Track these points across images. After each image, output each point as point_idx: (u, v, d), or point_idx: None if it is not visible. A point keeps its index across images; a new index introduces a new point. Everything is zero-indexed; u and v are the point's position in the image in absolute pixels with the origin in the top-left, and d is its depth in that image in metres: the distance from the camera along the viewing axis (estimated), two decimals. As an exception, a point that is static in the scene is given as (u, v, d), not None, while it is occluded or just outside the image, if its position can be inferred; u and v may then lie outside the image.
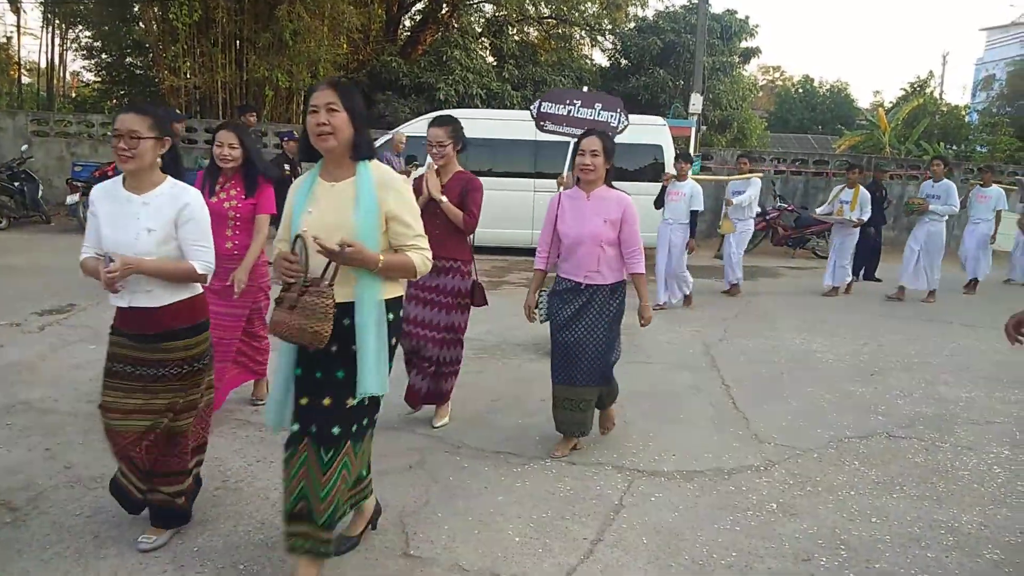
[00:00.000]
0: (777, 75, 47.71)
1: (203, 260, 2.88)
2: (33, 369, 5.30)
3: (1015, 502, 3.79)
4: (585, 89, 8.75)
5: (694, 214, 8.45)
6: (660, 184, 8.96)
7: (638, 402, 5.11)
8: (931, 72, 36.03)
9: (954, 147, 23.74)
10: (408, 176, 11.36)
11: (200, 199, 2.92)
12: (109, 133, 14.89)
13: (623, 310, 4.07)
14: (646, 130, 12.44)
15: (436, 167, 4.36)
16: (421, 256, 2.71)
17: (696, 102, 15.39)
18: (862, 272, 11.27)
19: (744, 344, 6.99)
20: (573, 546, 3.17)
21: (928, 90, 30.92)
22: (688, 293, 8.72)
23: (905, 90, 31.42)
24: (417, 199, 3.96)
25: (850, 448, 4.44)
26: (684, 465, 4.06)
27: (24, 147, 13.95)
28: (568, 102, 7.17)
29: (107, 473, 3.23)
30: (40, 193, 12.72)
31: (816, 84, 42.36)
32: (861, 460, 4.25)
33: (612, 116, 7.04)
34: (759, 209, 14.51)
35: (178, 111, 12.40)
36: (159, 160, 2.85)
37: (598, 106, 7.11)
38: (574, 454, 4.16)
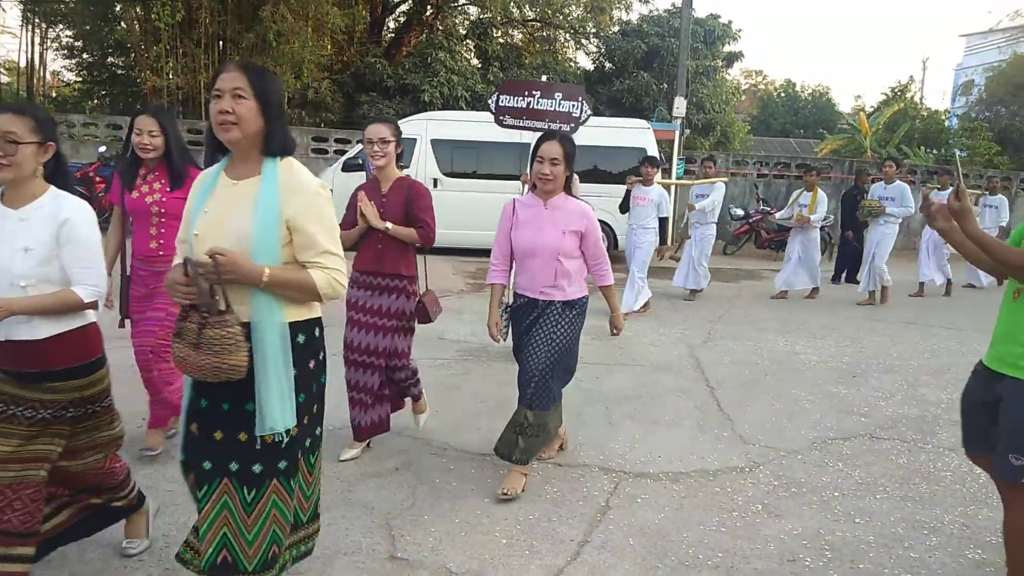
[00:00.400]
0: (759, 79, 47.99)
1: (88, 284, 2.47)
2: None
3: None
4: (544, 79, 8.32)
5: (663, 221, 8.30)
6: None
7: (623, 404, 5.13)
8: (911, 77, 36.54)
9: (934, 151, 24.00)
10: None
11: (84, 212, 2.50)
12: (96, 136, 14.79)
13: (579, 327, 3.77)
14: (630, 133, 12.52)
15: (367, 188, 3.99)
16: (326, 277, 2.25)
17: (680, 106, 15.47)
18: (844, 275, 11.38)
19: (728, 346, 7.03)
20: (560, 548, 3.17)
21: (909, 95, 31.24)
22: (646, 301, 8.38)
23: (886, 95, 31.72)
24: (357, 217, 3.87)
25: (833, 449, 4.47)
26: (670, 467, 4.07)
27: (3, 147, 13.79)
28: (527, 93, 6.84)
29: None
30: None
31: (798, 88, 42.70)
32: (844, 461, 4.29)
33: (574, 106, 6.74)
34: (741, 212, 14.54)
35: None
36: (41, 168, 2.50)
37: (558, 96, 6.80)
38: (560, 456, 4.16)
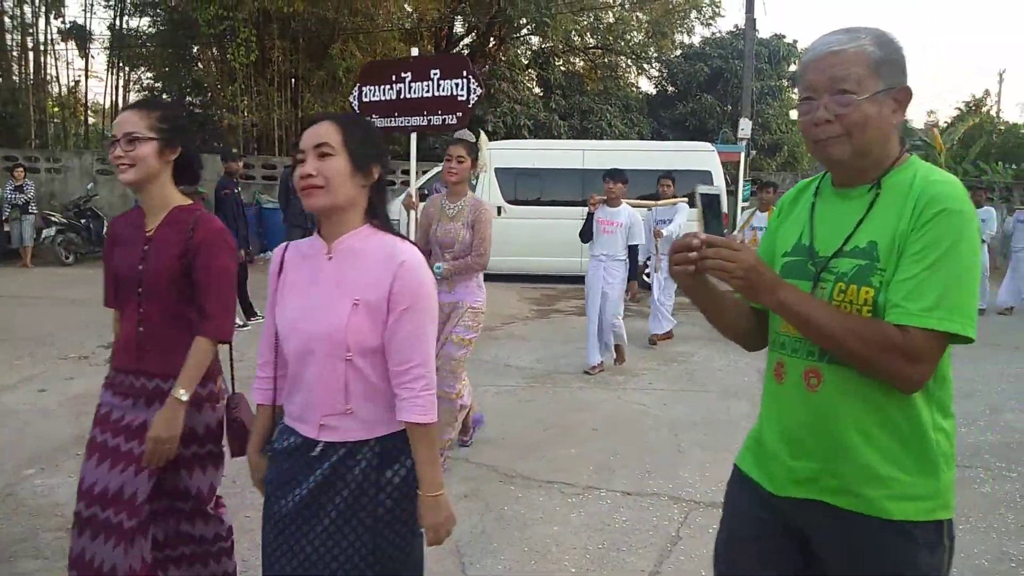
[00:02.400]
0: (826, 97, 47.14)
1: None
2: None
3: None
4: (415, 52, 6.08)
5: (633, 249, 6.59)
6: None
7: (692, 431, 5.07)
8: (987, 91, 35.20)
9: (1014, 166, 23.11)
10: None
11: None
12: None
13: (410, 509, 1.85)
14: (694, 156, 12.43)
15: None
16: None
17: (745, 127, 15.31)
18: None
19: (800, 371, 6.86)
20: (630, 577, 3.15)
21: (985, 109, 30.23)
22: (621, 345, 6.88)
23: (960, 109, 30.80)
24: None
25: (913, 478, 4.32)
26: (741, 495, 4.00)
27: (89, 185, 14.56)
28: (394, 79, 5.41)
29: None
30: (104, 230, 13.23)
31: (867, 105, 41.77)
32: (925, 491, 4.13)
33: (458, 85, 5.18)
34: None
35: (234, 149, 12.81)
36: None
37: (435, 74, 5.24)
38: (628, 485, 4.13)
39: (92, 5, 19.31)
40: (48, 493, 3.86)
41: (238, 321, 8.03)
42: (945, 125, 29.75)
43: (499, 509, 3.78)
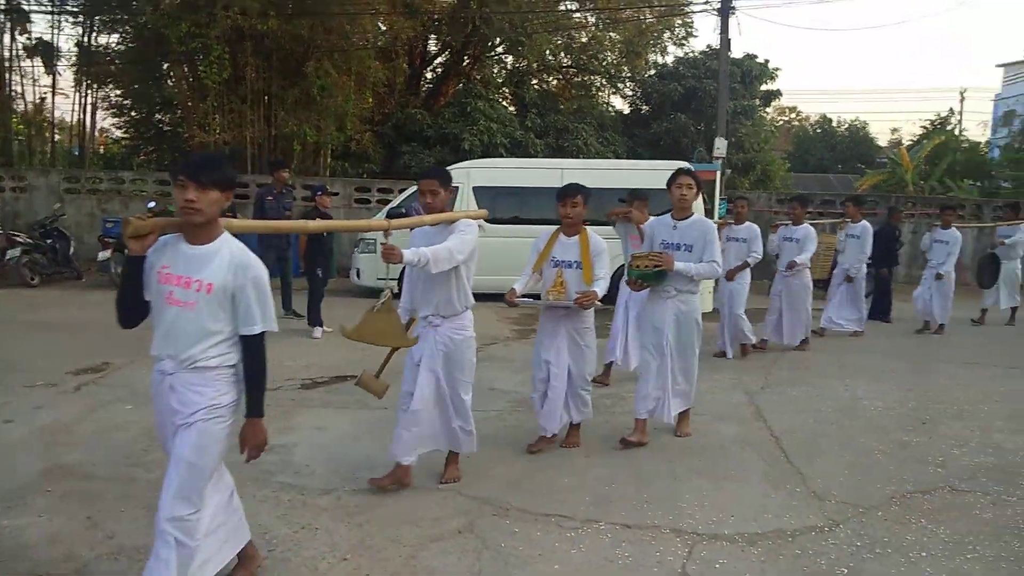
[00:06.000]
0: (793, 115, 47.79)
1: None
2: (70, 431, 5.24)
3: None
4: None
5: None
6: None
7: (687, 457, 4.97)
8: (951, 109, 35.93)
9: (978, 183, 23.54)
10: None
11: None
12: (143, 191, 15.16)
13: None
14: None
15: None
16: None
17: (721, 146, 15.39)
18: (884, 313, 11.21)
19: (787, 392, 6.82)
20: (638, 618, 3.02)
21: (949, 127, 30.82)
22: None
23: (926, 127, 31.35)
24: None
25: (914, 504, 4.26)
26: (744, 527, 3.89)
27: (56, 205, 14.20)
28: None
29: (150, 543, 3.14)
30: (72, 250, 12.90)
31: (835, 123, 42.44)
32: (927, 517, 4.07)
33: None
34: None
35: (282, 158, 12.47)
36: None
37: None
38: (628, 516, 4.00)
39: (60, 22, 18.79)
40: (16, 535, 3.63)
41: None
42: (909, 143, 30.29)
43: (496, 546, 3.63)
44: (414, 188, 11.98)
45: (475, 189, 12.30)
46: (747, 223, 8.43)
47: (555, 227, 5.08)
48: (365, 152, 17.29)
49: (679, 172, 5.22)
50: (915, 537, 3.82)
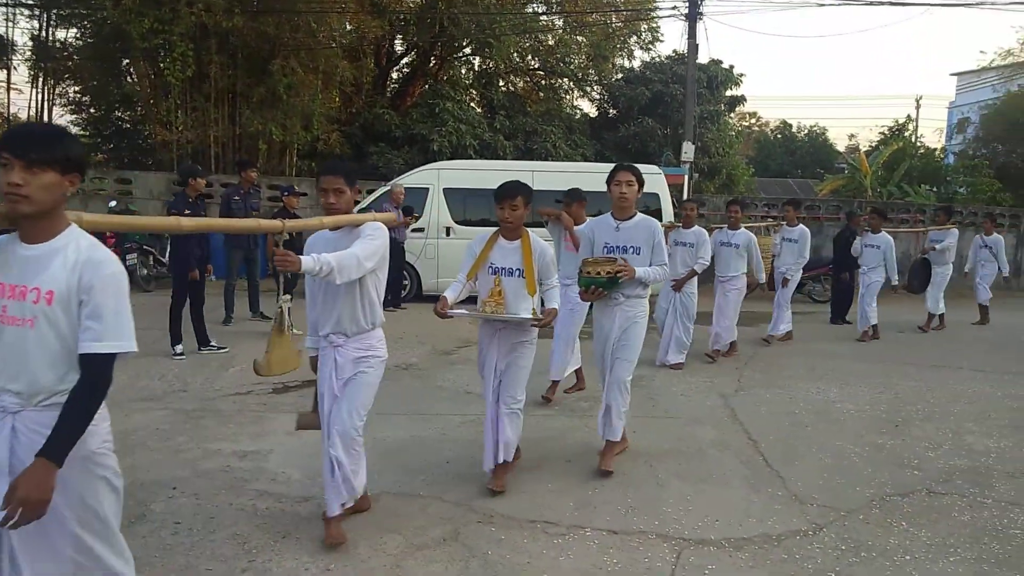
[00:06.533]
0: (753, 121, 48.39)
1: None
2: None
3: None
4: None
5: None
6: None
7: (666, 461, 4.96)
8: (909, 116, 36.67)
9: (934, 189, 24.06)
10: (407, 227, 11.33)
11: None
12: (103, 189, 14.76)
13: None
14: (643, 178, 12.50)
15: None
16: None
17: (688, 150, 15.52)
18: (840, 315, 11.64)
19: (761, 395, 6.87)
20: (631, 626, 2.99)
21: (907, 133, 31.49)
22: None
23: (884, 133, 31.95)
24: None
25: (894, 507, 4.29)
26: (730, 532, 3.88)
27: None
28: None
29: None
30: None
31: (795, 129, 43.06)
32: (908, 520, 4.10)
33: None
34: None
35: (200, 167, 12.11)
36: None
37: None
38: (613, 522, 3.97)
39: (14, 15, 18.21)
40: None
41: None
42: (867, 148, 30.87)
43: (483, 554, 3.56)
44: (384, 188, 11.88)
45: (445, 191, 12.24)
46: (696, 227, 8.00)
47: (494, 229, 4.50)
48: (332, 152, 17.04)
49: (618, 168, 4.88)
50: (898, 540, 3.85)
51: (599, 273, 4.53)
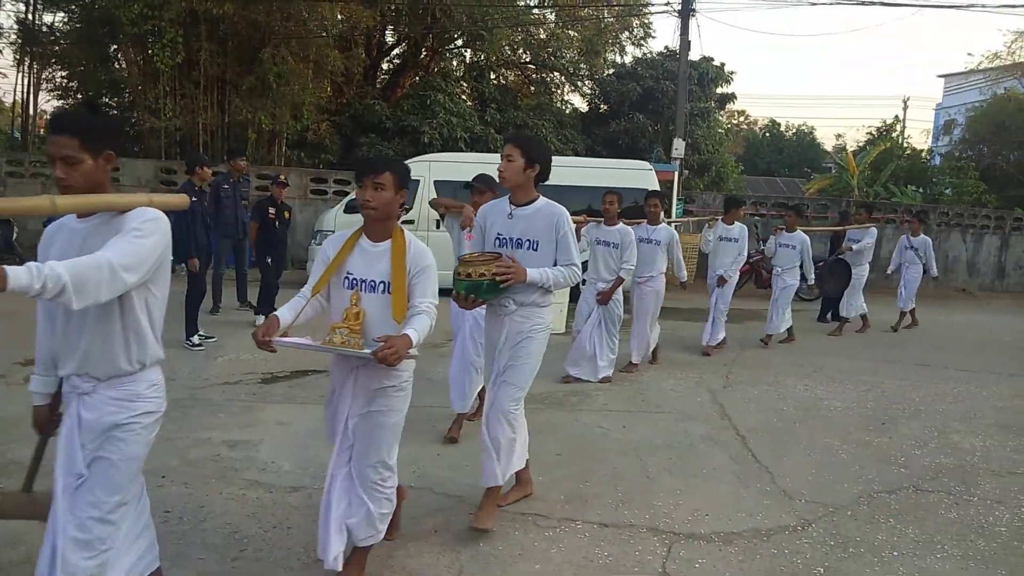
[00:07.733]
0: (742, 119, 48.54)
1: None
2: (22, 424, 5.00)
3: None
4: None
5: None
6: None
7: (657, 455, 4.98)
8: (896, 117, 36.91)
9: (921, 190, 24.25)
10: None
11: None
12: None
13: None
14: (633, 174, 12.55)
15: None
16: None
17: (679, 147, 15.55)
18: (828, 313, 11.73)
19: (749, 391, 6.90)
20: (622, 619, 3.00)
21: (894, 134, 31.71)
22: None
23: (871, 134, 32.17)
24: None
25: (881, 504, 4.33)
26: (720, 526, 3.90)
27: (-2, 189, 13.63)
28: None
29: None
30: (15, 235, 12.41)
31: (783, 128, 43.22)
32: (895, 517, 4.14)
33: None
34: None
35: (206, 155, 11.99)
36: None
37: None
38: (604, 515, 3.98)
39: (-1, -1, 18.00)
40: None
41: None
42: (854, 148, 31.05)
43: (474, 547, 3.57)
44: (375, 180, 11.83)
45: (436, 183, 12.21)
46: (620, 225, 6.86)
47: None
48: (322, 142, 16.96)
49: (505, 140, 3.90)
50: (885, 537, 3.88)
51: (480, 275, 3.52)
